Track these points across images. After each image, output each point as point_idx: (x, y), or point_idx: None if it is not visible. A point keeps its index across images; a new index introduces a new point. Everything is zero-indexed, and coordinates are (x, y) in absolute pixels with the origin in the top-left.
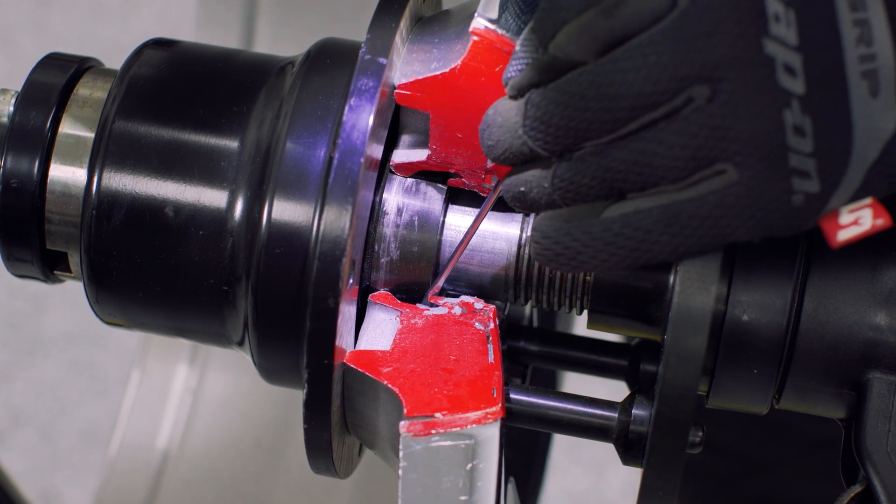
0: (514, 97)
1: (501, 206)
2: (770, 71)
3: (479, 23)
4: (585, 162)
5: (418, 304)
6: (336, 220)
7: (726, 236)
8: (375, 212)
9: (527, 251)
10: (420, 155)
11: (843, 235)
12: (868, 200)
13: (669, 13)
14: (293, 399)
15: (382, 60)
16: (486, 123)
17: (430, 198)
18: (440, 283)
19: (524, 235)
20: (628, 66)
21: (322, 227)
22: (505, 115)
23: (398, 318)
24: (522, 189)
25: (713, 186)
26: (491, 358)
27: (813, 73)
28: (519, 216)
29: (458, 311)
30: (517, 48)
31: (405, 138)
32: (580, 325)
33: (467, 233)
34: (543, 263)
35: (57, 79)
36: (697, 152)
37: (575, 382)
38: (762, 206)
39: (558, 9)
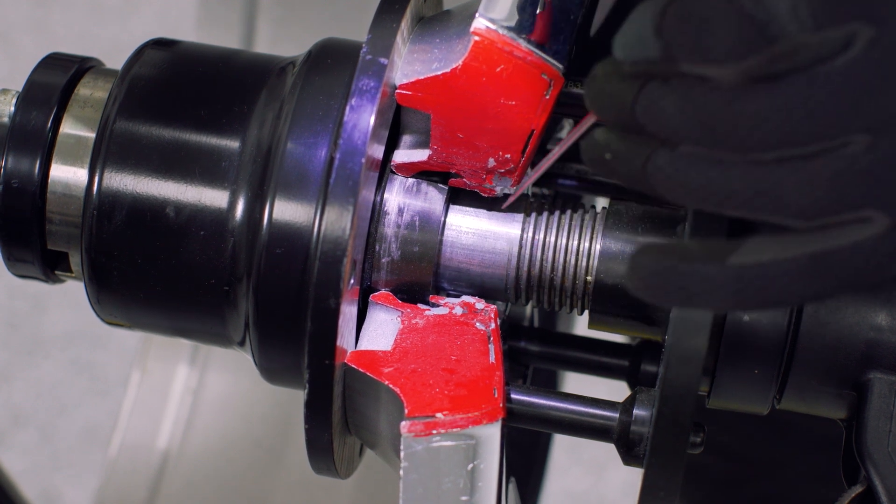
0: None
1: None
2: None
3: (480, 23)
4: (694, 165)
5: (419, 305)
6: (337, 221)
7: (877, 282)
8: (376, 212)
9: (528, 251)
10: (421, 155)
11: None
12: None
13: (842, 54)
14: (294, 399)
15: (383, 60)
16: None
17: (432, 198)
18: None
19: (525, 235)
20: (793, 100)
21: (323, 228)
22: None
23: (399, 319)
24: (608, 156)
25: (865, 233)
26: (492, 358)
27: None
28: (520, 216)
29: (459, 311)
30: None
31: (406, 138)
32: (581, 326)
33: (548, 158)
34: (648, 300)
35: (58, 79)
36: (844, 197)
37: (575, 383)
38: None
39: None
